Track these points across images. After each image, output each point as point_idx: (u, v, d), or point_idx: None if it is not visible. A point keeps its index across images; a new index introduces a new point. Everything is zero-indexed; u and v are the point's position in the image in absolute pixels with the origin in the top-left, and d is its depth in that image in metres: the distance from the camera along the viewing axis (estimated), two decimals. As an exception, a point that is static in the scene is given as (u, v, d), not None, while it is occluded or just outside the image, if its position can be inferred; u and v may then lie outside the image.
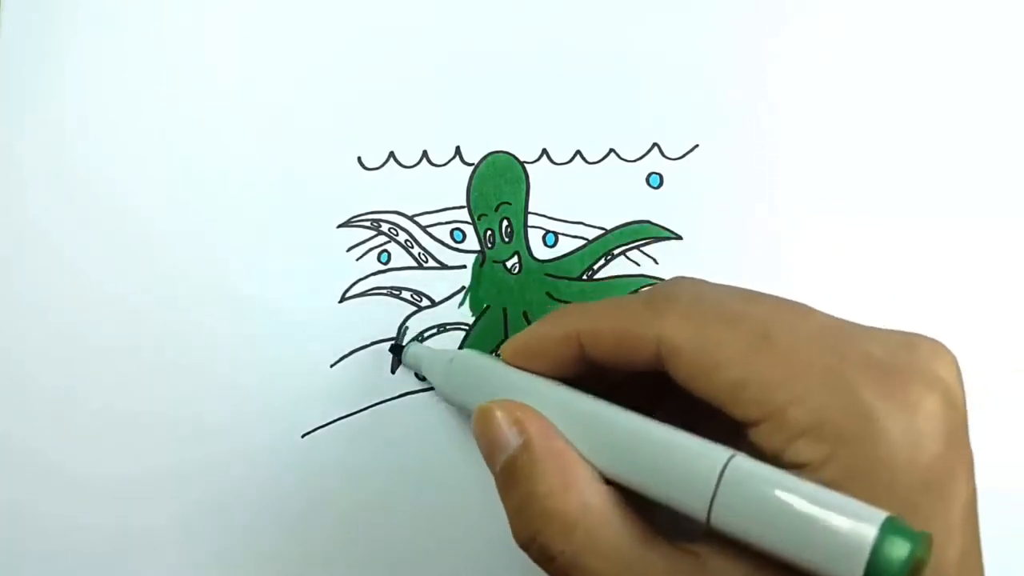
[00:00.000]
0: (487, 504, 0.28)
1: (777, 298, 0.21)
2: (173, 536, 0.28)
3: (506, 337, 0.29)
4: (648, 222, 0.30)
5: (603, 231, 0.30)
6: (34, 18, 0.32)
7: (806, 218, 0.30)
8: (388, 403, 0.29)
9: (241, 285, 0.30)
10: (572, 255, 0.30)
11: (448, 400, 0.26)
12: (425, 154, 0.30)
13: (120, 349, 0.29)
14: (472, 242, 0.30)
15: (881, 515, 0.16)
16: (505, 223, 0.30)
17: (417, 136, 0.30)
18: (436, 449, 0.28)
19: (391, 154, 0.30)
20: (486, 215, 0.30)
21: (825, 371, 0.19)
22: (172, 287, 0.30)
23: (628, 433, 0.20)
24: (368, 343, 0.29)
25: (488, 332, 0.29)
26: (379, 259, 0.30)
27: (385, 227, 0.30)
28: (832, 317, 0.20)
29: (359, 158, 0.30)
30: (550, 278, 0.30)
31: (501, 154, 0.30)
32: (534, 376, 0.23)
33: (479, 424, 0.22)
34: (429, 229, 0.30)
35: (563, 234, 0.30)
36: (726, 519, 0.18)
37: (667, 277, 0.30)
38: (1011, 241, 0.29)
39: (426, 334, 0.29)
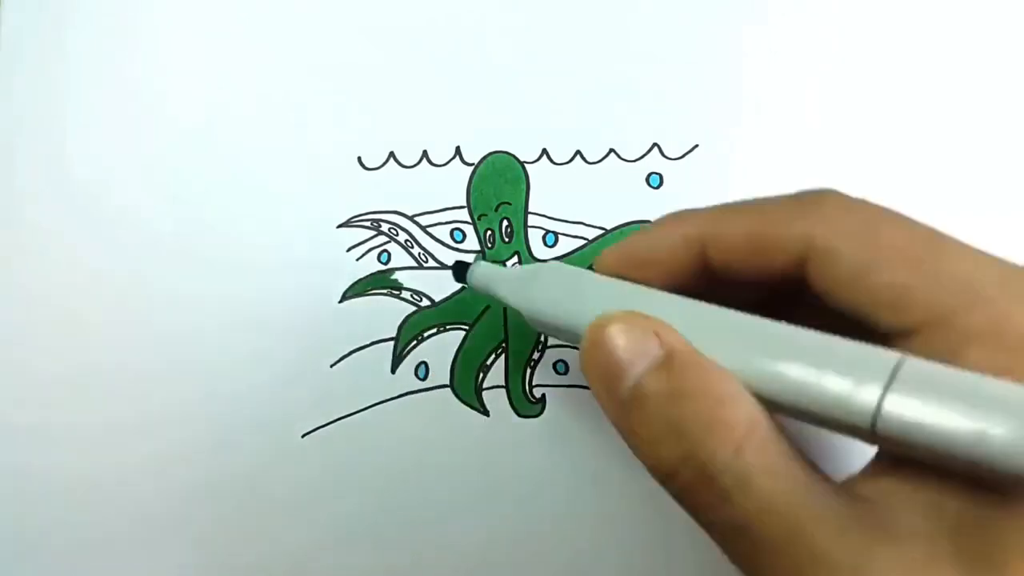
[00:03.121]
0: (486, 504, 0.28)
1: None
2: (172, 535, 0.28)
3: (506, 337, 0.29)
4: (648, 222, 0.30)
5: (603, 231, 0.30)
6: (34, 18, 0.32)
7: (806, 218, 0.29)
8: (388, 403, 0.29)
9: (241, 285, 0.30)
10: (572, 255, 0.30)
11: (532, 320, 0.22)
12: (425, 154, 0.30)
13: (119, 349, 0.29)
14: (472, 242, 0.30)
15: None
16: (505, 223, 0.30)
17: (417, 136, 0.30)
18: (436, 449, 0.28)
19: (391, 154, 0.30)
20: (486, 215, 0.30)
21: (1007, 275, 0.17)
22: (171, 287, 0.30)
23: (771, 339, 0.18)
24: (368, 343, 0.29)
25: (488, 332, 0.29)
26: (379, 259, 0.30)
27: (385, 227, 0.30)
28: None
29: (359, 158, 0.30)
30: (550, 278, 0.30)
31: (501, 154, 0.30)
32: (643, 287, 0.20)
33: (597, 341, 0.19)
34: (429, 229, 0.30)
35: (563, 234, 0.30)
36: (900, 423, 0.15)
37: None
38: (1008, 237, 0.29)
39: (426, 334, 0.29)
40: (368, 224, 0.30)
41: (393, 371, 0.29)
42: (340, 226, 0.30)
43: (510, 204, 0.30)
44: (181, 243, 0.30)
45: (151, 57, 0.31)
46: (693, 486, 0.17)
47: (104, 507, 0.29)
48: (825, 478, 0.17)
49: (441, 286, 0.29)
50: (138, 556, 0.28)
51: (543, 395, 0.29)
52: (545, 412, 0.29)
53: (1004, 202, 0.29)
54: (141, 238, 0.30)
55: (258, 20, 0.32)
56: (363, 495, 0.28)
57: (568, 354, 0.29)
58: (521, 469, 0.28)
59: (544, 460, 0.28)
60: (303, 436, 0.29)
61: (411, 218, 0.30)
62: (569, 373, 0.29)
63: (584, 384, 0.20)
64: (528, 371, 0.29)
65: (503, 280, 0.24)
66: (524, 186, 0.30)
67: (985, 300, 0.16)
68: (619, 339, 0.18)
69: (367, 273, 0.30)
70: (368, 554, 0.28)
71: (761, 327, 0.18)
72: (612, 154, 0.30)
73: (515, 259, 0.30)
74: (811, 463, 0.17)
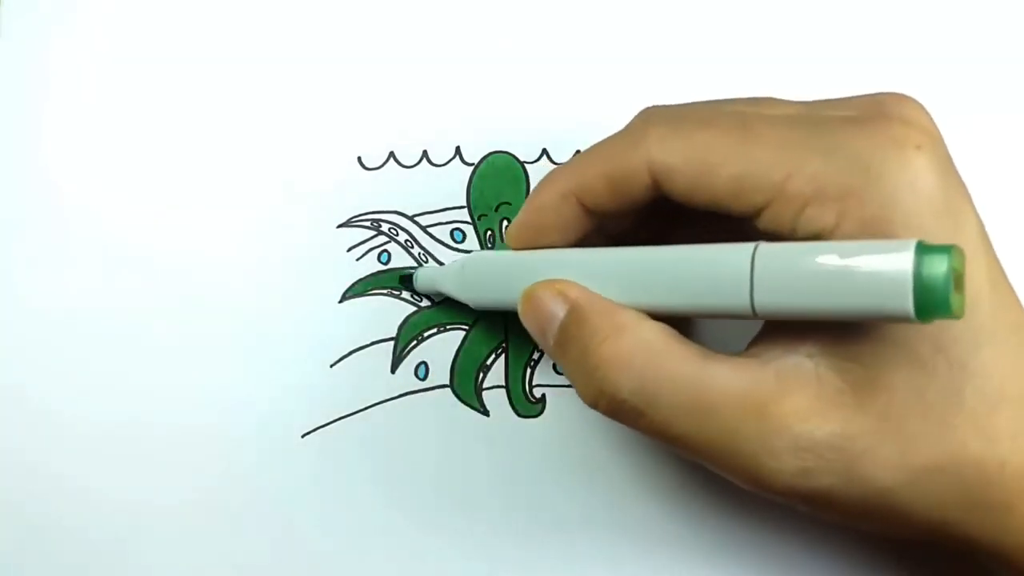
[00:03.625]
0: (486, 504, 0.28)
1: (741, 98, 0.22)
2: (171, 535, 0.28)
3: (506, 337, 0.29)
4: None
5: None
6: (34, 18, 0.32)
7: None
8: (388, 403, 0.29)
9: (241, 285, 0.30)
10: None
11: (475, 306, 0.26)
12: (425, 154, 0.30)
13: (120, 350, 0.29)
14: (472, 242, 0.30)
15: (910, 242, 0.17)
16: (505, 223, 0.30)
17: (417, 136, 0.30)
18: (436, 449, 0.28)
19: (391, 154, 0.30)
20: (486, 215, 0.30)
21: (809, 138, 0.19)
22: (172, 287, 0.30)
23: (653, 263, 0.21)
24: (368, 343, 0.29)
25: (488, 332, 0.29)
26: (379, 259, 0.30)
27: (385, 227, 0.30)
28: (796, 101, 0.21)
29: (359, 158, 0.30)
30: (550, 278, 0.30)
31: (501, 154, 0.30)
32: (547, 251, 0.23)
33: (525, 309, 0.23)
34: (429, 229, 0.30)
35: (563, 234, 0.30)
36: (771, 301, 0.18)
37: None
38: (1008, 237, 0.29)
39: (426, 334, 0.29)
40: (368, 224, 0.30)
41: (393, 371, 0.29)
42: (340, 226, 0.30)
43: (510, 204, 0.30)
44: (181, 243, 0.30)
45: (151, 57, 0.31)
46: (612, 411, 0.21)
47: (103, 508, 0.29)
48: (722, 358, 0.20)
49: (441, 286, 0.29)
50: (137, 556, 0.28)
51: (543, 395, 0.29)
52: (545, 412, 0.29)
53: (1003, 202, 0.29)
54: (141, 237, 0.30)
55: (258, 20, 0.32)
56: (363, 495, 0.28)
57: (568, 354, 0.29)
58: (521, 469, 0.28)
59: (544, 460, 0.28)
60: (303, 436, 0.29)
61: (411, 218, 0.30)
62: (569, 373, 0.29)
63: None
64: (528, 371, 0.29)
65: (443, 278, 0.27)
66: (524, 186, 0.30)
67: (798, 166, 0.19)
68: (538, 305, 0.22)
69: (367, 273, 0.30)
70: (368, 554, 0.28)
71: (641, 256, 0.21)
72: (612, 154, 0.30)
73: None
74: (707, 350, 0.20)
